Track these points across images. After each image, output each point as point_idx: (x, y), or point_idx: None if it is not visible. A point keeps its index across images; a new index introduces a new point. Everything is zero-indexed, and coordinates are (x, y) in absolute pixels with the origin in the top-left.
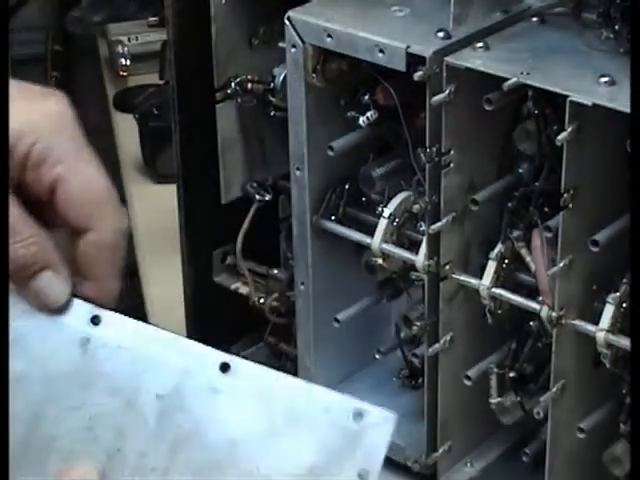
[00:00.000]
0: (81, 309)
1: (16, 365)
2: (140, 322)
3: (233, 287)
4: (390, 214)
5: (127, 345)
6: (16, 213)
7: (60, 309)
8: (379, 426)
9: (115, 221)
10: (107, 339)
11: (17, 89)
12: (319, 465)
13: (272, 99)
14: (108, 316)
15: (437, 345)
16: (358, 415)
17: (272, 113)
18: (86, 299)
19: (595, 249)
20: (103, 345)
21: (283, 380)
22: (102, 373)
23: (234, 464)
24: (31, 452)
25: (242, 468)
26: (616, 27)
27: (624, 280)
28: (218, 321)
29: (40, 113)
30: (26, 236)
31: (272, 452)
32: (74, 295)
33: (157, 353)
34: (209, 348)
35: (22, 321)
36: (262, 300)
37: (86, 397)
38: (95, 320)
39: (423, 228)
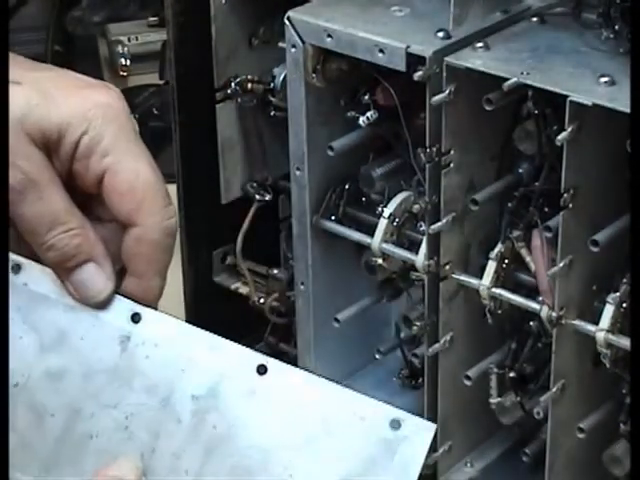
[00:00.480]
0: (122, 306)
1: (56, 360)
2: (180, 321)
3: (233, 287)
4: (390, 214)
5: (165, 344)
6: (61, 203)
7: (101, 304)
8: (417, 435)
9: (162, 217)
10: (146, 337)
11: (68, 79)
12: (354, 475)
13: (272, 99)
14: (149, 314)
15: (437, 345)
16: (396, 424)
17: (272, 113)
18: (128, 296)
19: (595, 249)
20: (142, 343)
21: (319, 385)
22: (139, 371)
23: (266, 470)
24: (66, 449)
25: (275, 474)
26: (616, 27)
27: (624, 280)
28: (218, 321)
29: (90, 104)
30: (70, 227)
31: (306, 459)
32: (116, 292)
33: (194, 353)
34: (246, 349)
35: (64, 317)
36: (262, 300)
37: (123, 395)
38: (135, 318)
39: (423, 228)
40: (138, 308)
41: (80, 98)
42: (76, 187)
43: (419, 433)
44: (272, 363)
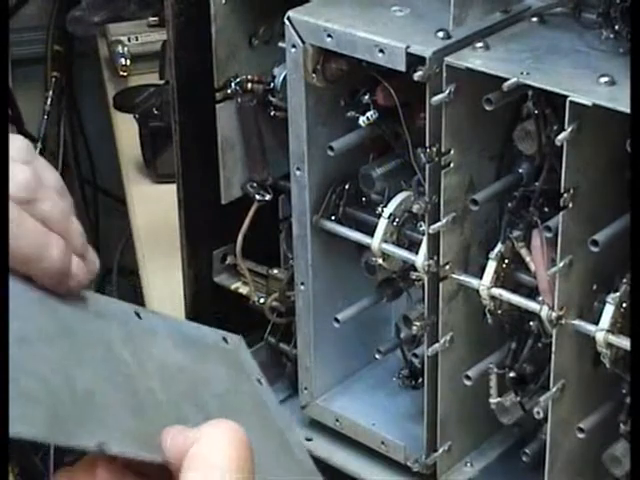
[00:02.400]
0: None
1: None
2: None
3: (233, 287)
4: (390, 214)
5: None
6: None
7: None
8: (241, 345)
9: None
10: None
11: None
12: (232, 384)
13: (272, 99)
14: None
15: (437, 345)
16: (224, 340)
17: (272, 113)
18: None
19: (595, 249)
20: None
21: (174, 320)
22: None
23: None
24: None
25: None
26: (616, 27)
27: (624, 280)
28: (218, 321)
29: None
30: None
31: (193, 377)
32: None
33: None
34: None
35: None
36: (262, 300)
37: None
38: None
39: (423, 228)
40: None
41: None
42: None
43: (240, 343)
44: (144, 311)
